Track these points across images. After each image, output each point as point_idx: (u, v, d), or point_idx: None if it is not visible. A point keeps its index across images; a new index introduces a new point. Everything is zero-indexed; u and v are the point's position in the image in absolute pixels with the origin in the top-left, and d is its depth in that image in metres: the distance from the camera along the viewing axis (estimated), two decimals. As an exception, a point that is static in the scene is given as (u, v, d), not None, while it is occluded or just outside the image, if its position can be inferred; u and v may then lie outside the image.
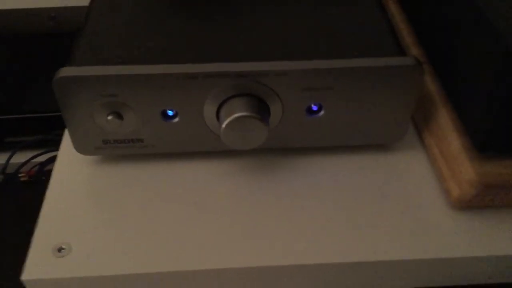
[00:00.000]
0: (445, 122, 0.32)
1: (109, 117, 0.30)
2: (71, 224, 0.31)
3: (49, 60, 0.74)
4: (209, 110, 0.31)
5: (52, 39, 0.78)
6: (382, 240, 0.30)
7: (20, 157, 0.71)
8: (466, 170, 0.29)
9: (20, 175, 0.72)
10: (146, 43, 0.32)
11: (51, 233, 0.30)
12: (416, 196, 0.33)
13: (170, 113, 0.31)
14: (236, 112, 0.29)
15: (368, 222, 0.31)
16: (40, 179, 0.68)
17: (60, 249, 0.29)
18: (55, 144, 0.69)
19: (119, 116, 0.30)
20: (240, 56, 0.30)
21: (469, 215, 0.31)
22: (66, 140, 0.35)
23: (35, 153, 0.71)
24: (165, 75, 0.29)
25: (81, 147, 0.32)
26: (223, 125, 0.29)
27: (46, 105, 0.68)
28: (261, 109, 0.30)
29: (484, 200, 0.30)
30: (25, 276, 0.28)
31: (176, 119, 0.31)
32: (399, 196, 0.32)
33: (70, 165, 0.34)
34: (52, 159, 0.70)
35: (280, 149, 0.35)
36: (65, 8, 0.74)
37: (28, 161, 0.71)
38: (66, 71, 0.29)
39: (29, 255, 0.29)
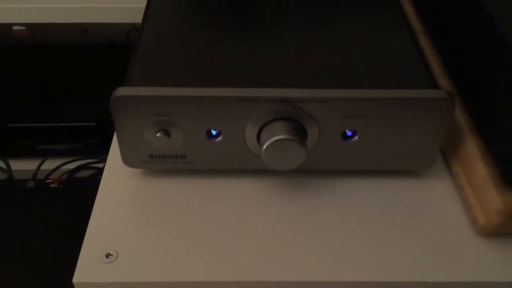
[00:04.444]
0: (472, 151, 0.34)
1: (158, 134, 0.33)
2: (118, 231, 0.33)
3: (80, 70, 0.77)
4: (250, 131, 0.33)
5: (84, 51, 0.81)
6: (408, 261, 0.32)
7: (49, 164, 0.73)
8: (493, 199, 0.31)
9: (47, 181, 0.74)
10: (196, 65, 0.34)
11: (99, 240, 0.32)
12: (442, 221, 0.34)
13: (214, 132, 0.33)
14: (277, 134, 0.31)
15: (394, 244, 0.33)
16: (69, 186, 0.70)
17: (108, 255, 0.31)
18: (84, 153, 0.72)
19: (167, 133, 0.33)
20: (283, 82, 0.32)
21: (494, 241, 0.33)
22: (113, 153, 0.37)
23: (64, 160, 0.73)
24: (214, 98, 0.31)
25: (128, 160, 0.35)
26: (264, 146, 0.31)
27: (77, 114, 0.71)
28: (300, 133, 0.32)
29: (509, 228, 0.32)
30: (76, 279, 0.30)
31: (219, 138, 0.33)
32: (426, 220, 0.34)
33: (116, 177, 0.36)
34: (81, 167, 0.72)
35: (314, 170, 0.36)
36: (96, 23, 0.77)
37: (57, 168, 0.73)
38: (123, 91, 0.31)
39: (80, 259, 0.31)
